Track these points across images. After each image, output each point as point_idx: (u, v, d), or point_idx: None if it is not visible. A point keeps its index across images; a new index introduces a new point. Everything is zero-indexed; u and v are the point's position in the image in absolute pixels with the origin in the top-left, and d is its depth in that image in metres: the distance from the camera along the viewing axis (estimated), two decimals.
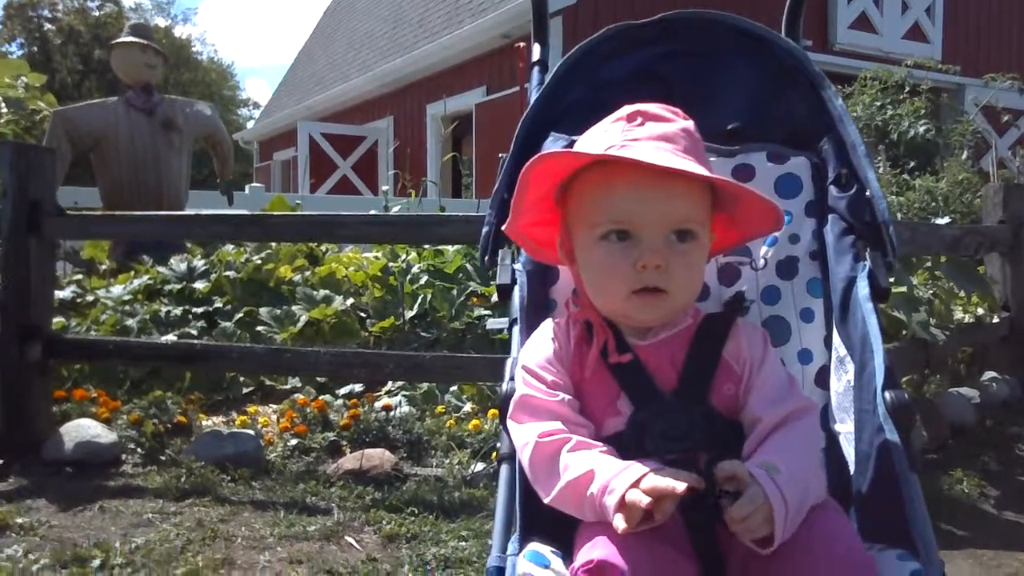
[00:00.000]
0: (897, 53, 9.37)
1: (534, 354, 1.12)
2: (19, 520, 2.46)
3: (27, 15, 29.49)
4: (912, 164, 6.18)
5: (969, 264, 3.83)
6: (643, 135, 1.08)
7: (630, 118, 1.10)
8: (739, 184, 1.13)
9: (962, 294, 3.93)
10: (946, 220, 4.47)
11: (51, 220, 3.18)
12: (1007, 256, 3.86)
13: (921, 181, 5.64)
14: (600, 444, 1.01)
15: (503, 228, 1.22)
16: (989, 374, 3.96)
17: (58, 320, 3.83)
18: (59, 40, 28.94)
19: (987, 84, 8.01)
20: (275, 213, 3.99)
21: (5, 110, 5.43)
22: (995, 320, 3.91)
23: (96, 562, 2.17)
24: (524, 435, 1.04)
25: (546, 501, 1.00)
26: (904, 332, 3.25)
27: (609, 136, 1.10)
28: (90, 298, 4.47)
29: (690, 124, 1.11)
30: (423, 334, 4.01)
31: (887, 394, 1.09)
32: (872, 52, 10.31)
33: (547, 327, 1.16)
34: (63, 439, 3.06)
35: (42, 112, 5.58)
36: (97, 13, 30.35)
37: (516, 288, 1.30)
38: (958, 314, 3.94)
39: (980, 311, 4.05)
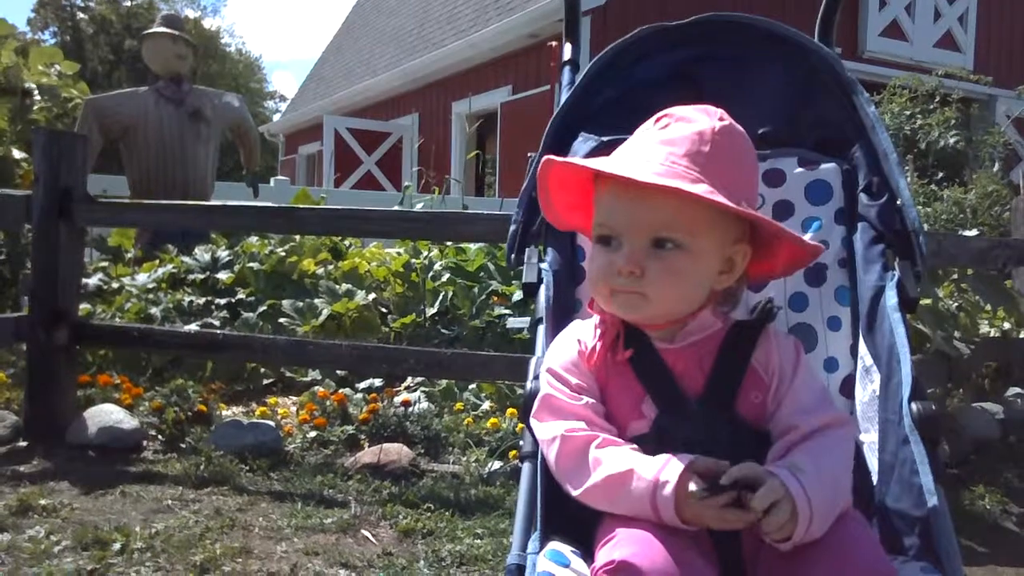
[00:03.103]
0: (928, 62, 9.26)
1: (559, 356, 1.12)
2: (42, 502, 2.49)
3: (60, 4, 29.88)
4: (941, 175, 6.11)
5: (996, 278, 3.78)
6: (648, 139, 1.07)
7: (657, 120, 1.10)
8: (712, 198, 1.00)
9: (988, 308, 3.87)
10: (974, 232, 4.41)
11: (81, 207, 3.22)
12: None
13: (949, 192, 5.57)
14: (626, 442, 1.02)
15: (555, 226, 1.25)
16: (1014, 390, 3.90)
17: (84, 307, 3.88)
18: (91, 30, 29.30)
19: (1020, 96, 7.89)
20: (302, 206, 4.01)
21: (38, 97, 5.49)
22: (1021, 335, 3.86)
23: (116, 545, 2.20)
24: (550, 431, 1.05)
25: (574, 495, 1.00)
26: (928, 345, 3.21)
27: (630, 139, 1.12)
28: (115, 285, 4.52)
29: (714, 126, 1.05)
30: (443, 331, 4.02)
31: (914, 405, 1.08)
32: (903, 60, 10.20)
33: (574, 328, 1.16)
34: (86, 423, 3.10)
35: (74, 100, 5.65)
36: (128, 3, 30.70)
37: (542, 287, 1.31)
38: (984, 328, 3.89)
39: (1007, 325, 4.00)
